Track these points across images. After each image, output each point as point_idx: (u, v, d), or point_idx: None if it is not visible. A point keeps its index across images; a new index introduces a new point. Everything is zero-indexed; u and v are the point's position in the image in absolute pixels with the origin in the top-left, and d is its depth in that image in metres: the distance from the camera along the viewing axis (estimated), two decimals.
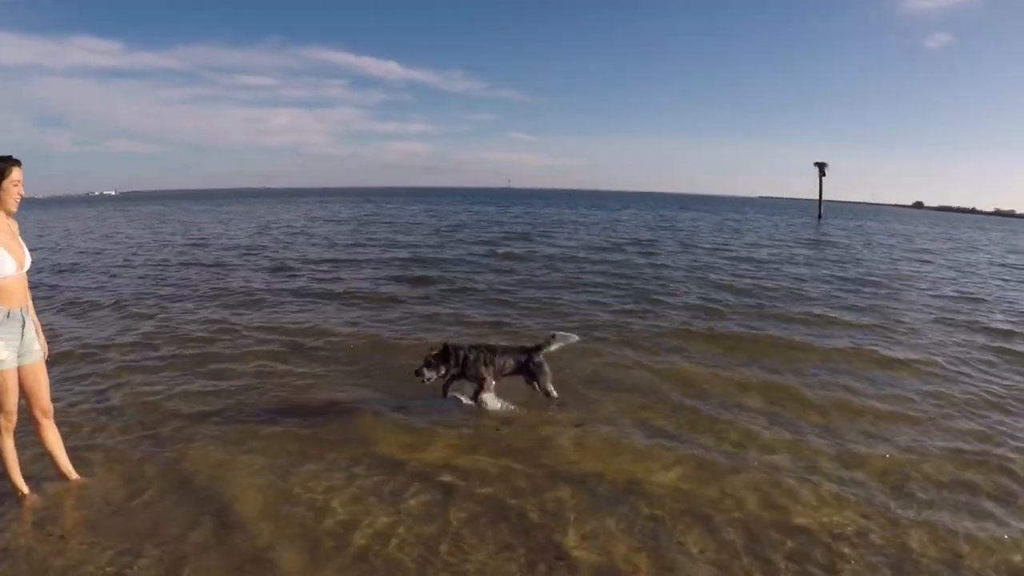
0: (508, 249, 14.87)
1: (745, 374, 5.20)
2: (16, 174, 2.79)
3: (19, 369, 2.87)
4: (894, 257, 16.65)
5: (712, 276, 11.06)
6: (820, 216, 41.01)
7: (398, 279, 10.01)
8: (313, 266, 11.63)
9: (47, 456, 3.19)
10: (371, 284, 9.50)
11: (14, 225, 2.90)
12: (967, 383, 5.17)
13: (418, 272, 10.73)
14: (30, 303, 3.00)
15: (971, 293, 10.33)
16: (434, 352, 4.16)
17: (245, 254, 13.66)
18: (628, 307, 8.03)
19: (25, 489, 3.06)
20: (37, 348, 2.96)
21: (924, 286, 10.89)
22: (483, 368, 4.18)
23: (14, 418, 2.90)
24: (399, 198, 68.74)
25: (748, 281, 10.53)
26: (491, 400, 4.22)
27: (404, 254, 13.62)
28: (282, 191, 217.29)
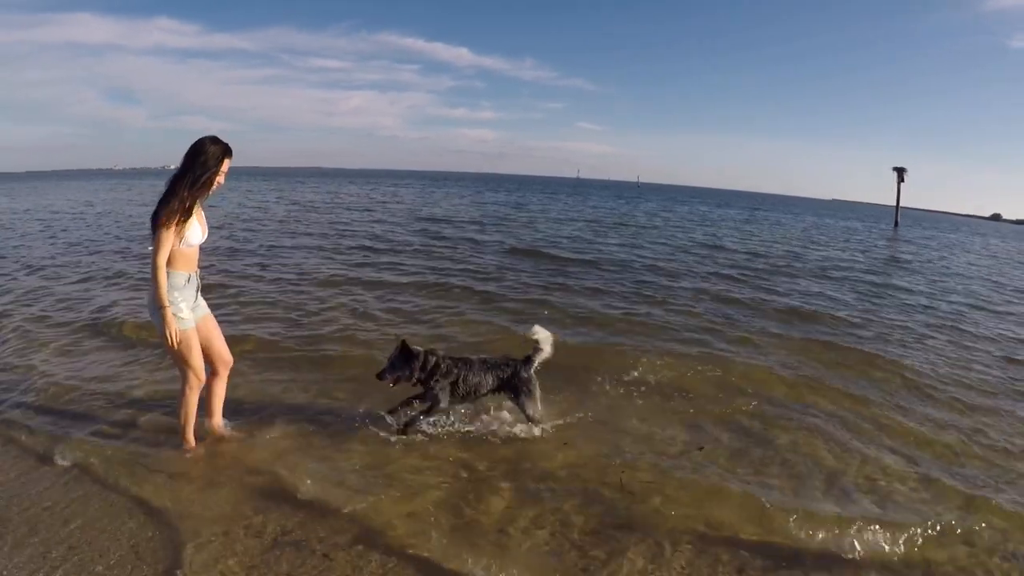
0: None
1: None
2: (226, 165, 3.02)
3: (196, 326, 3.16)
4: None
5: None
6: (896, 224, 36.81)
7: None
8: None
9: (204, 401, 3.35)
10: None
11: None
12: None
13: None
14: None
15: None
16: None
17: None
18: None
19: (193, 443, 3.31)
20: (203, 303, 3.27)
21: None
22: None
23: (202, 375, 3.19)
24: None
25: None
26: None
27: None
28: (355, 172, 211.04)
